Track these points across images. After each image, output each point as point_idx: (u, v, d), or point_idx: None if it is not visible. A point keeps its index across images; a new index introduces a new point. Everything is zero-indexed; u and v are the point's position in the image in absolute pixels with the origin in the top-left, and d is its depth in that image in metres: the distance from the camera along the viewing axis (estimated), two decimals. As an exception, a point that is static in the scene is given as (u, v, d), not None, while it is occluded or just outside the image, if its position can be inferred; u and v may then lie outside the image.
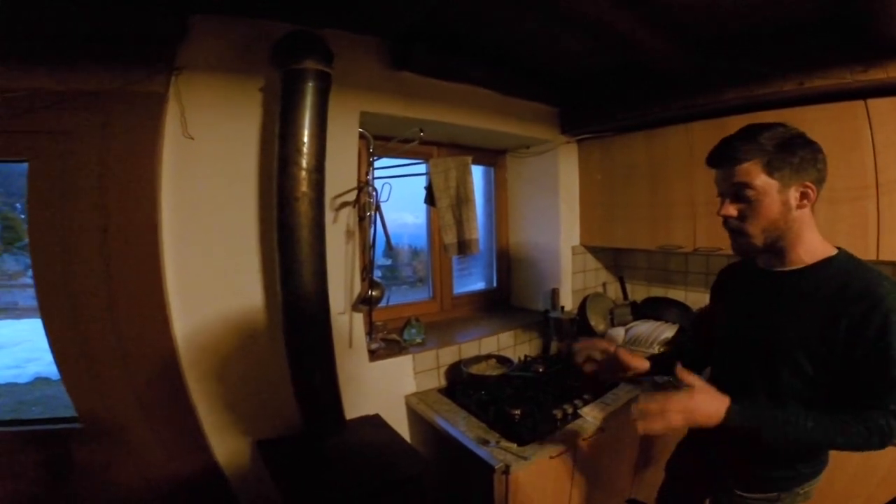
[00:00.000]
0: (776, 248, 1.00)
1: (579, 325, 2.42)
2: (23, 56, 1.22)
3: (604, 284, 2.79)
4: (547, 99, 2.35)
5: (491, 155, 2.67)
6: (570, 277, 2.57)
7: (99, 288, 1.35)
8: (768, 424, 0.92)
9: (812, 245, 1.00)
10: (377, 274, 2.38)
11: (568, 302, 2.53)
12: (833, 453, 1.07)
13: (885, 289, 0.89)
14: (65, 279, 1.33)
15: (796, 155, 0.94)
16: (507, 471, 1.42)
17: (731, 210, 0.98)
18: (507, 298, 2.81)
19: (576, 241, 2.59)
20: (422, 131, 1.71)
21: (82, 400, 1.39)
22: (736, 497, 1.11)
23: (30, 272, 1.39)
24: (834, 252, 0.99)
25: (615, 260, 2.86)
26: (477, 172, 2.70)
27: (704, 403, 0.94)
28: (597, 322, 2.48)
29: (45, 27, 1.21)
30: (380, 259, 2.42)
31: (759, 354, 1.02)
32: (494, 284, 2.77)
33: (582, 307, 2.50)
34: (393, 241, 1.89)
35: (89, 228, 1.33)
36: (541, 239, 2.61)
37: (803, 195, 0.95)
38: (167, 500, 1.51)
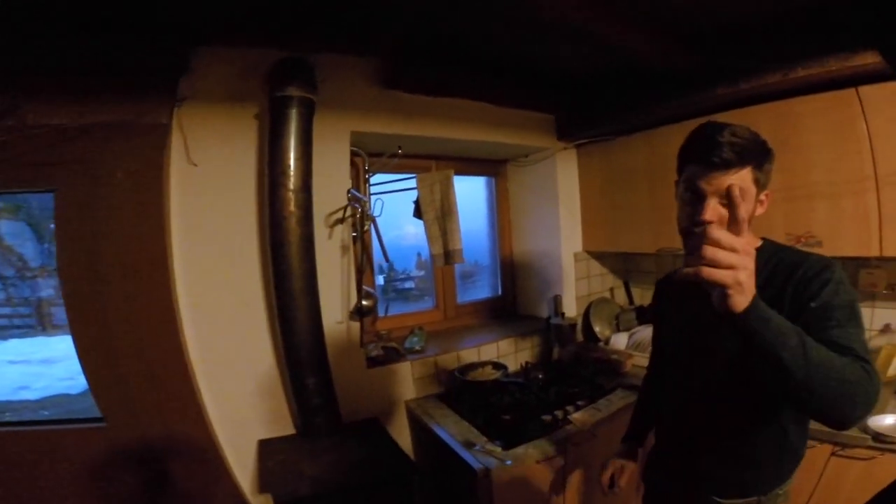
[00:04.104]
0: None
1: (584, 331, 2.41)
2: (47, 94, 1.37)
3: (611, 289, 2.75)
4: (541, 107, 2.37)
5: (492, 165, 2.72)
6: (574, 283, 2.56)
7: (121, 304, 1.49)
8: (791, 339, 0.71)
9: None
10: (385, 286, 2.48)
11: (572, 308, 2.52)
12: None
13: (825, 260, 0.90)
14: (92, 299, 1.47)
15: (771, 164, 0.92)
16: (487, 474, 1.45)
17: (718, 213, 0.86)
18: (512, 306, 2.82)
19: (578, 247, 2.59)
20: (400, 148, 1.79)
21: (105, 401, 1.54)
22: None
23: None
24: (759, 242, 0.99)
25: (623, 264, 2.82)
26: (479, 183, 2.76)
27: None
28: (602, 328, 2.45)
29: (66, 64, 1.36)
30: (388, 271, 2.51)
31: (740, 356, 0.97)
32: (499, 293, 2.80)
33: (586, 313, 2.48)
34: (399, 253, 1.97)
35: (112, 250, 1.47)
36: (543, 246, 2.62)
37: (761, 203, 0.94)
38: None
